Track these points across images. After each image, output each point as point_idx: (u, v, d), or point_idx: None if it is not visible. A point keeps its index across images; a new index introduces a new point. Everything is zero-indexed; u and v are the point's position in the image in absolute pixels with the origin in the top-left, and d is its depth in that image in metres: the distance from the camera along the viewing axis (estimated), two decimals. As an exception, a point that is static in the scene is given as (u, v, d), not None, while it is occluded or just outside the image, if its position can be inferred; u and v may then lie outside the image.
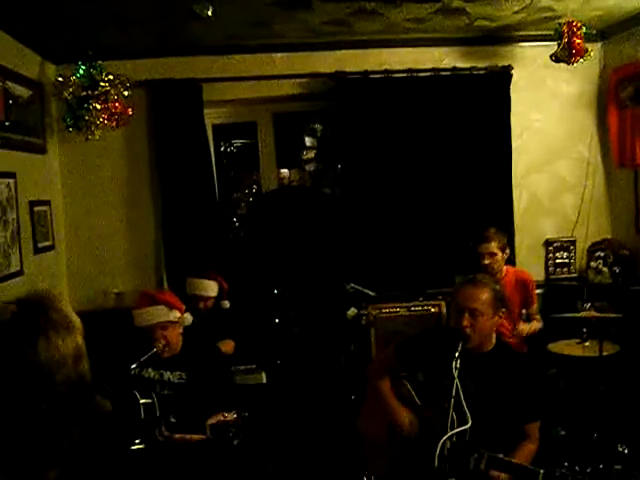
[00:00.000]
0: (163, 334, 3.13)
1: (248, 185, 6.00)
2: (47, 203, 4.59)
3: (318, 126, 5.98)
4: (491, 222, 4.41)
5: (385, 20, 4.40)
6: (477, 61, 4.99)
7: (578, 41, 4.30)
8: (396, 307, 4.58)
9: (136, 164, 4.94)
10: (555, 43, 4.41)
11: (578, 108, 5.17)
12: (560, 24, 4.36)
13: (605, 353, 3.66)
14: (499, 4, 4.17)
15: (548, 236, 5.20)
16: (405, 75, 4.89)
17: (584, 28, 4.34)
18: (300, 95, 5.03)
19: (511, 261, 4.50)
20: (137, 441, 2.77)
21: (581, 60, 4.41)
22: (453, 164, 4.96)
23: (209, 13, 3.76)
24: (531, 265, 5.01)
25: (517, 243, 5.02)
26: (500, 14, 4.42)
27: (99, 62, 4.30)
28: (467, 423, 2.43)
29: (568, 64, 4.44)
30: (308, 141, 6.04)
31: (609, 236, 5.14)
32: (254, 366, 4.14)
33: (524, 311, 4.25)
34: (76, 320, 1.20)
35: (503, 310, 2.76)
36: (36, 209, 4.35)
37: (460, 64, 4.97)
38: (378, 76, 4.88)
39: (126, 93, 4.34)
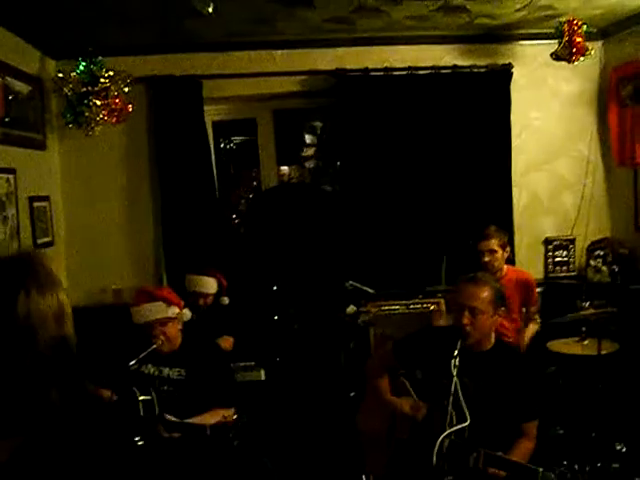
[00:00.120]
0: (162, 330, 3.12)
1: (248, 182, 6.00)
2: (47, 199, 4.58)
3: (318, 123, 5.97)
4: (490, 220, 4.40)
5: (386, 17, 4.39)
6: (477, 59, 4.99)
7: (579, 40, 4.31)
8: (395, 305, 4.58)
9: (136, 160, 4.94)
10: (556, 41, 4.42)
11: (578, 107, 5.17)
12: (561, 22, 4.36)
13: (604, 351, 3.66)
14: (500, 2, 4.17)
15: (547, 235, 5.20)
16: (405, 73, 4.89)
17: (585, 26, 4.35)
18: (300, 92, 5.03)
19: (510, 260, 4.49)
20: (137, 438, 2.77)
21: (582, 59, 4.42)
22: (453, 162, 4.96)
23: (210, 10, 3.74)
24: (530, 263, 5.02)
25: (516, 241, 5.03)
26: (501, 12, 4.42)
27: (99, 58, 4.28)
28: (466, 421, 2.43)
29: (569, 62, 4.45)
30: (308, 138, 6.03)
31: (608, 235, 5.14)
32: (253, 363, 4.14)
33: (523, 310, 4.26)
34: (60, 280, 1.19)
35: (503, 309, 2.77)
36: (36, 205, 4.34)
37: (460, 62, 4.97)
38: (378, 74, 4.87)
39: (126, 89, 4.33)
